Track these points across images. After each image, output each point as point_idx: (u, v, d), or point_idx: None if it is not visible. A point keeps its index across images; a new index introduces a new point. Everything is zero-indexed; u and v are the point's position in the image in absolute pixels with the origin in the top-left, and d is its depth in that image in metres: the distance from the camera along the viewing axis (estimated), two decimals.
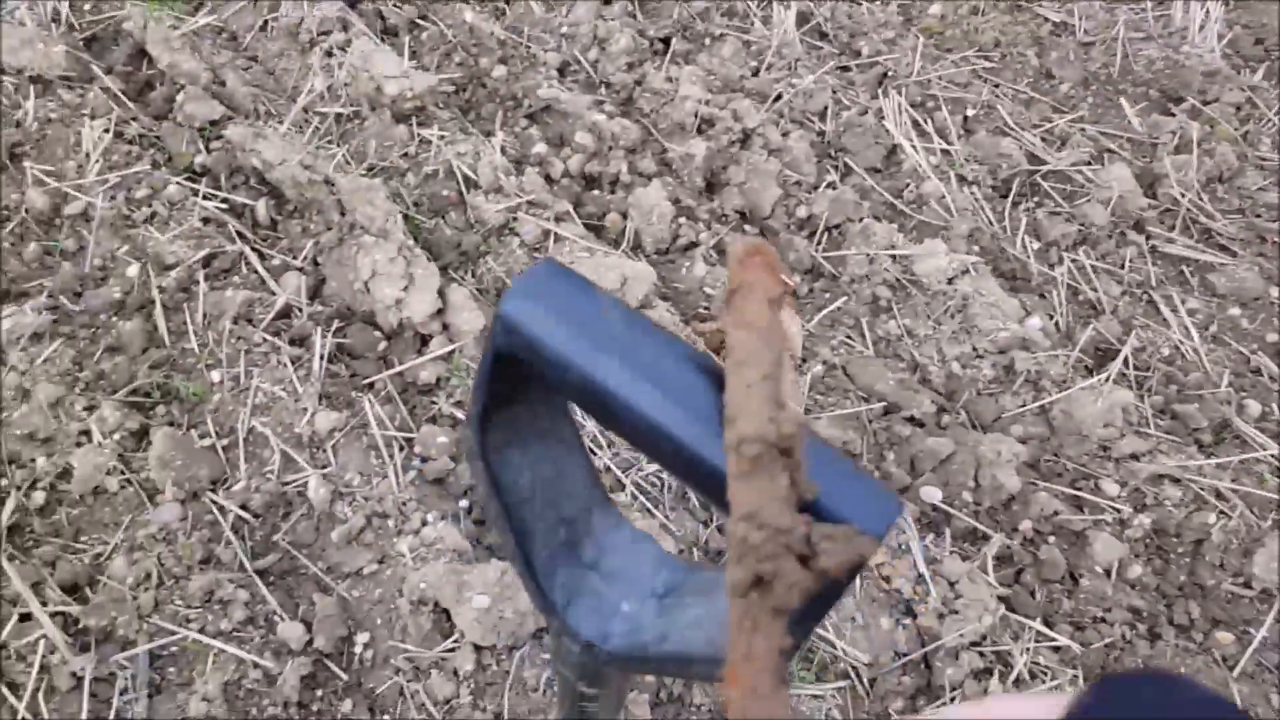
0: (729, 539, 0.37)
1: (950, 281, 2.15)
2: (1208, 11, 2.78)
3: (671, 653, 0.51)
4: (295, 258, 2.01)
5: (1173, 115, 2.62)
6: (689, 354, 0.46)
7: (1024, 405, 2.03)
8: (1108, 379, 2.06)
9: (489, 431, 0.51)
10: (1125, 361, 2.12)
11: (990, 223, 2.35)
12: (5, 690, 1.48)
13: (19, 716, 1.47)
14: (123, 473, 1.70)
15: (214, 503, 1.70)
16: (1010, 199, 2.41)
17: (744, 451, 0.37)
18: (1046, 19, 2.83)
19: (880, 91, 2.54)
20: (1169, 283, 2.31)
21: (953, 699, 1.63)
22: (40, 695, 1.50)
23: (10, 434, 1.70)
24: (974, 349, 2.11)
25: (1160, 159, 2.50)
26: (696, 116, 2.34)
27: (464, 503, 1.78)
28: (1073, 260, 2.31)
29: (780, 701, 0.35)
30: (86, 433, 1.72)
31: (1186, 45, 2.76)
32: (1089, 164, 2.47)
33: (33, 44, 2.14)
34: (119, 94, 2.17)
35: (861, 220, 2.26)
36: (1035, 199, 2.44)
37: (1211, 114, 2.60)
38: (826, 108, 2.48)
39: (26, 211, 1.96)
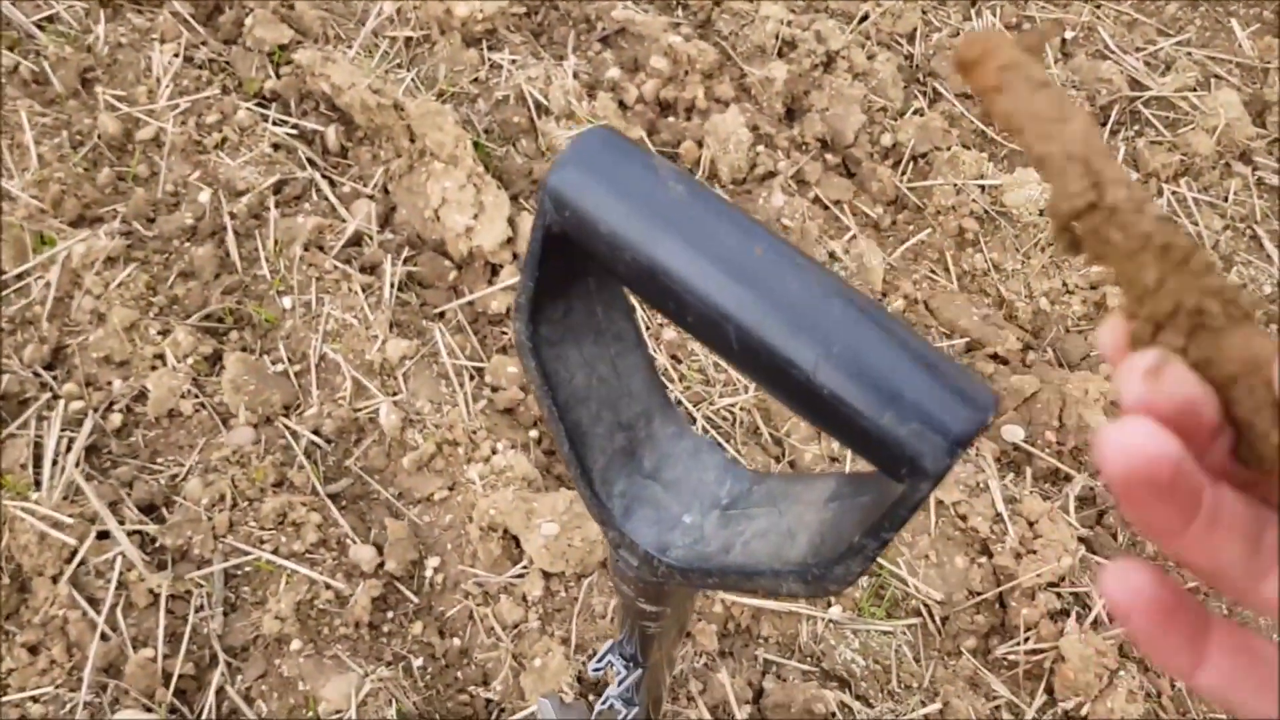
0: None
1: (1042, 213, 2.05)
2: None
3: (735, 565, 0.47)
4: (365, 185, 1.99)
5: None
6: (760, 233, 0.41)
7: None
8: None
9: (540, 325, 0.47)
10: None
11: None
12: (85, 604, 1.52)
13: (98, 630, 1.50)
14: (196, 396, 1.71)
15: (286, 427, 1.71)
16: (1109, 127, 2.27)
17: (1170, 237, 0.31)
18: None
19: (973, 12, 2.41)
20: (1275, 217, 2.18)
21: (1027, 639, 1.58)
22: (119, 611, 1.53)
23: (87, 357, 1.72)
24: (1064, 284, 2.01)
25: (1271, 85, 2.34)
26: (777, 38, 2.24)
27: (534, 433, 1.76)
28: (1173, 192, 2.18)
29: None
30: (161, 356, 1.73)
31: None
32: (1194, 90, 2.32)
33: None
34: (188, 18, 2.15)
35: (950, 149, 2.15)
36: (1135, 127, 2.30)
37: None
38: (915, 29, 2.36)
39: (99, 136, 1.96)
